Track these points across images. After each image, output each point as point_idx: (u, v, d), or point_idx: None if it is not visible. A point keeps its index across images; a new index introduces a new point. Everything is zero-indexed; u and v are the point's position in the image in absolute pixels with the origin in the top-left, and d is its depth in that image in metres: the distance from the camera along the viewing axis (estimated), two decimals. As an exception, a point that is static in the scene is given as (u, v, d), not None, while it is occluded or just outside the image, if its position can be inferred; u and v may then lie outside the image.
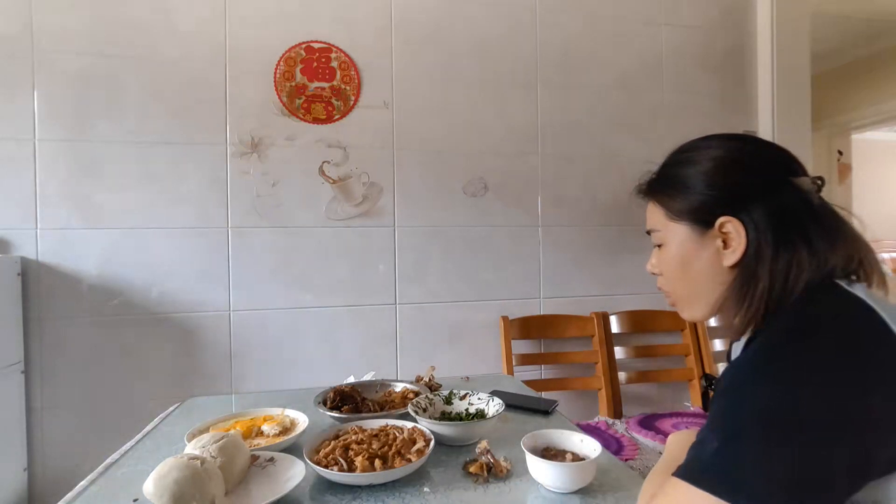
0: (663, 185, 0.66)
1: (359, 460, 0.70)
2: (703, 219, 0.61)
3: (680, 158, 0.66)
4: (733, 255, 0.59)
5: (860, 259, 0.57)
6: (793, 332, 0.51)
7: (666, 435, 1.71)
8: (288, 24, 1.83)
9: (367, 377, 1.15)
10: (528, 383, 1.26)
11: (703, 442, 0.49)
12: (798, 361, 0.48)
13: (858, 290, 0.53)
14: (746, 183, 0.60)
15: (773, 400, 0.47)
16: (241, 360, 1.79)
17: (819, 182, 0.60)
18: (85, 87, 1.69)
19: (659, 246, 0.68)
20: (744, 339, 0.62)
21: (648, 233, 0.70)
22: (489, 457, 0.73)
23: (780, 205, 0.58)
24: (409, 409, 0.87)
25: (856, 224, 0.60)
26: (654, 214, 0.67)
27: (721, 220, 0.59)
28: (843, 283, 0.54)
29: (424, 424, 0.82)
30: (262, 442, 0.83)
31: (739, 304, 0.60)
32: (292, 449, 0.80)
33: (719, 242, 0.60)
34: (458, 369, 1.89)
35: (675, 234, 0.64)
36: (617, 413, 1.96)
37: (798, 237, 0.56)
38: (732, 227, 0.59)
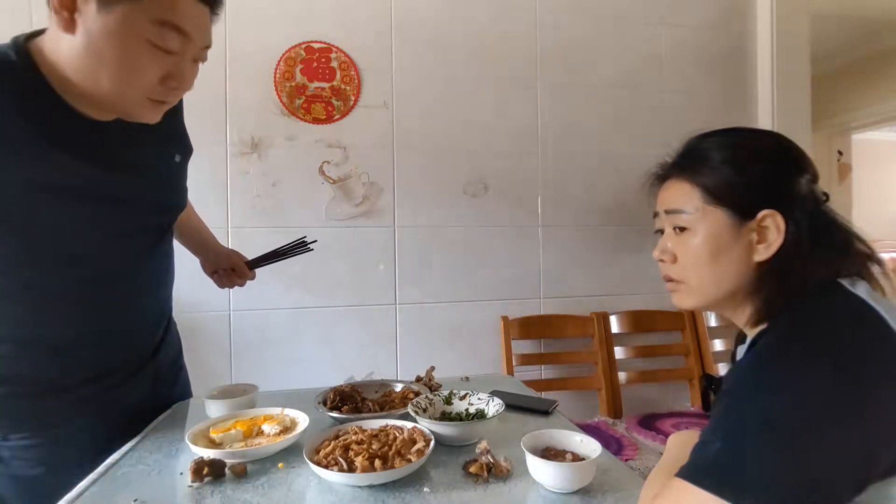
0: (708, 165, 0.61)
1: (359, 460, 0.70)
2: (744, 208, 0.58)
3: (731, 142, 0.62)
4: (767, 251, 0.57)
5: (865, 264, 0.58)
6: (797, 333, 0.51)
7: (666, 435, 1.71)
8: (288, 24, 1.83)
9: (367, 377, 1.15)
10: (528, 383, 1.26)
11: (707, 443, 0.49)
12: (802, 363, 0.48)
13: (861, 290, 0.53)
14: (794, 180, 0.58)
15: (776, 401, 0.47)
16: (241, 360, 1.79)
17: (825, 195, 0.61)
18: (85, 87, 1.68)
19: (678, 229, 0.63)
20: (748, 341, 0.62)
21: (666, 213, 0.64)
22: (489, 457, 0.73)
23: (814, 208, 0.58)
24: (409, 409, 0.87)
25: (858, 230, 0.60)
26: (686, 195, 0.62)
27: (764, 212, 0.57)
28: (845, 283, 0.54)
29: (424, 424, 0.82)
30: (262, 441, 0.83)
31: (757, 302, 0.59)
32: (292, 449, 0.80)
33: (754, 236, 0.58)
34: (458, 369, 1.89)
35: (710, 219, 0.60)
36: (617, 413, 1.96)
37: (826, 241, 0.56)
38: (772, 223, 0.57)
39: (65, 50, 0.68)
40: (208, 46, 0.77)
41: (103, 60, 0.68)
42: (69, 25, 0.66)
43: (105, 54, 0.67)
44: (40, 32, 0.73)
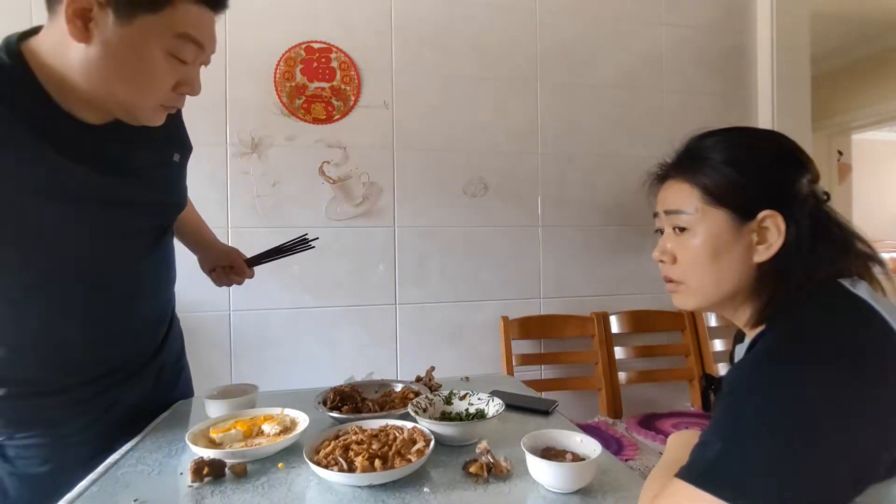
0: (708, 165, 0.60)
1: (359, 460, 0.70)
2: (745, 208, 0.58)
3: (732, 141, 0.62)
4: (767, 251, 0.57)
5: (866, 264, 0.58)
6: (797, 334, 0.51)
7: (666, 435, 1.71)
8: (288, 24, 1.83)
9: (367, 377, 1.15)
10: (528, 383, 1.26)
11: (707, 444, 0.49)
12: (801, 364, 0.48)
13: (861, 290, 0.53)
14: (795, 180, 0.58)
15: (776, 403, 0.47)
16: (241, 360, 1.79)
17: (826, 195, 0.60)
18: (85, 87, 1.68)
19: (677, 230, 0.63)
20: (747, 341, 0.62)
21: (665, 213, 0.64)
22: (489, 457, 0.73)
23: (814, 207, 0.58)
24: (409, 409, 0.87)
25: (858, 230, 0.60)
26: (686, 195, 0.61)
27: (764, 213, 0.57)
28: (846, 284, 0.54)
29: (424, 424, 0.82)
30: (262, 441, 0.83)
31: (757, 302, 0.59)
32: (292, 449, 0.80)
33: (754, 237, 0.58)
34: (458, 369, 1.89)
35: (710, 220, 0.59)
36: (617, 413, 1.96)
37: (827, 241, 0.56)
38: (773, 223, 0.56)
39: (75, 58, 0.67)
40: (213, 51, 0.78)
41: (121, 70, 0.68)
42: (83, 35, 0.65)
43: (124, 64, 0.68)
44: (32, 32, 0.73)
